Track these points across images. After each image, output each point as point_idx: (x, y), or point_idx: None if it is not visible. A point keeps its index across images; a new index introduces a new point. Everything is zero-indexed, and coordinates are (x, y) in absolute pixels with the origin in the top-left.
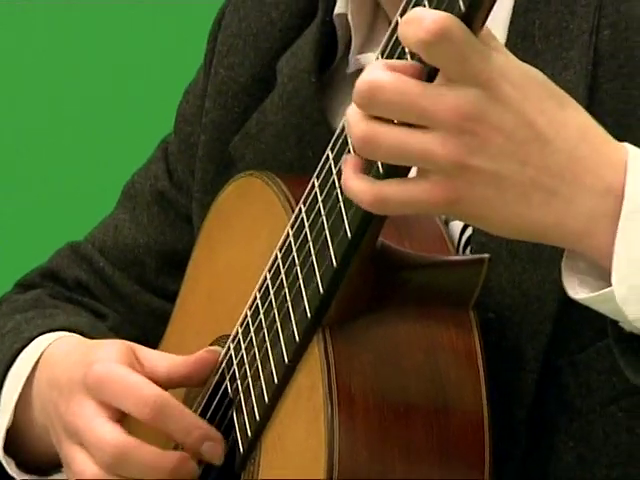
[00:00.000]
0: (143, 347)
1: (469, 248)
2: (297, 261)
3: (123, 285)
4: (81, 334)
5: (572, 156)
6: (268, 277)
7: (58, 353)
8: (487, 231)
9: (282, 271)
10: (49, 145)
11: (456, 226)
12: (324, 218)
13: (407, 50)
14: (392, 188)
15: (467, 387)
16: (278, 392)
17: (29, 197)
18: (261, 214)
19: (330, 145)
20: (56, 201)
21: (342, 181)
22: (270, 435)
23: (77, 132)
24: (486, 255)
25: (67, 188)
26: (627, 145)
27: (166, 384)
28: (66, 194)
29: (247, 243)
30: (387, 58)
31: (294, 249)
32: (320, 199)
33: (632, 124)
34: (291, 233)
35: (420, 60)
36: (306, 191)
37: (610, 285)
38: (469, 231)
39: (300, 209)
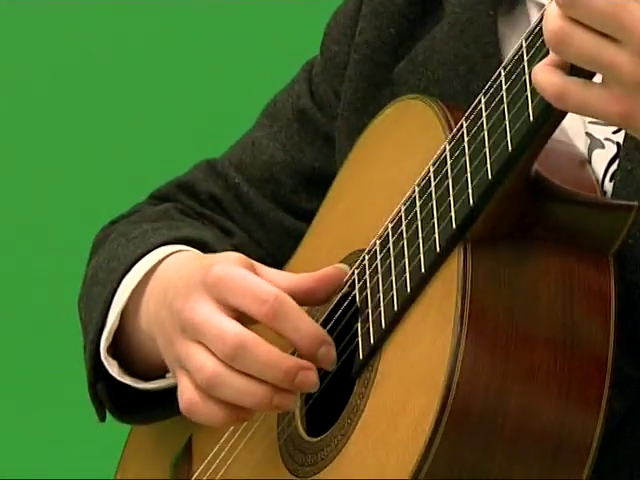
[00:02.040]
0: (263, 265)
1: (613, 181)
2: (450, 174)
3: (257, 202)
4: (205, 245)
5: None
6: (416, 190)
7: (175, 264)
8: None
9: (432, 183)
10: (49, 145)
11: (600, 160)
12: (486, 132)
13: None
14: (575, 87)
15: (597, 327)
16: (408, 301)
17: (28, 197)
18: (418, 133)
19: (504, 63)
20: (55, 201)
21: (533, 70)
22: (392, 343)
23: (77, 132)
24: (635, 203)
25: (67, 188)
26: None
27: None
28: (66, 194)
29: (398, 161)
30: None
31: (449, 162)
32: (485, 114)
33: None
34: (448, 147)
35: None
36: (470, 107)
37: None
38: (614, 166)
39: (461, 124)
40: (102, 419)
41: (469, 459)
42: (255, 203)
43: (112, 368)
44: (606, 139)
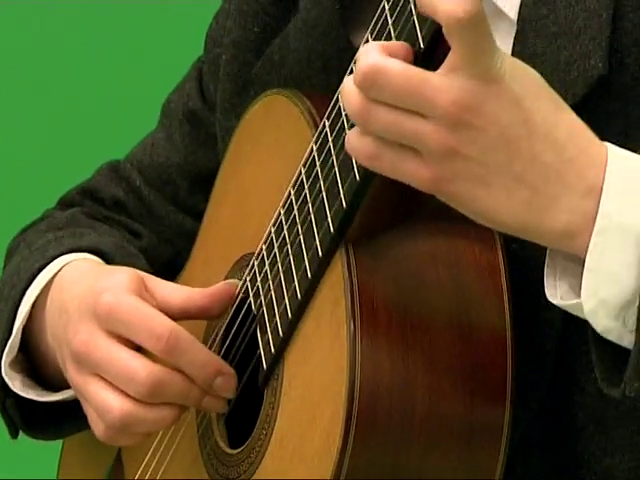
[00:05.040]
0: (156, 278)
1: None
2: (320, 175)
3: (158, 205)
4: (103, 255)
5: (560, 156)
6: (292, 193)
7: (69, 277)
8: (469, 217)
9: (306, 186)
10: (48, 147)
11: None
12: (347, 132)
13: (393, 33)
14: (387, 154)
15: (490, 303)
16: (301, 307)
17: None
18: (286, 131)
19: (353, 61)
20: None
21: (346, 136)
22: (293, 351)
23: (77, 132)
24: None
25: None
26: (609, 145)
27: (180, 315)
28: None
29: (272, 160)
30: (377, 37)
31: (317, 164)
32: (344, 113)
33: None
34: (315, 148)
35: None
36: (330, 106)
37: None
38: None
39: (324, 124)
40: (14, 436)
41: (385, 459)
42: (156, 206)
43: (13, 382)
44: None
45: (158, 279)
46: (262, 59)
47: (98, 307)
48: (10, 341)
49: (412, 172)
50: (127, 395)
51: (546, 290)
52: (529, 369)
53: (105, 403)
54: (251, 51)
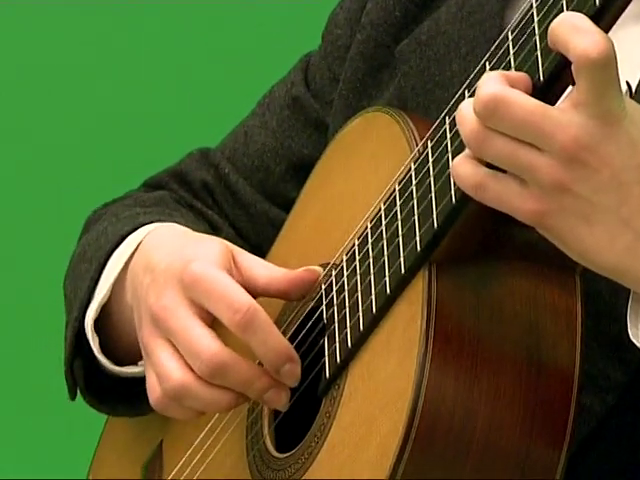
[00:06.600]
0: (244, 252)
1: None
2: (415, 195)
3: (245, 192)
4: None
5: None
6: (382, 208)
7: (159, 239)
8: (567, 255)
9: (397, 203)
10: (49, 147)
11: None
12: (450, 155)
13: (513, 63)
14: (494, 182)
15: (562, 346)
16: (374, 321)
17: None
18: (384, 148)
19: (466, 84)
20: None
21: (453, 161)
22: (359, 363)
23: (78, 134)
24: None
25: (67, 190)
26: None
27: (262, 293)
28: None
29: (365, 175)
30: (495, 64)
31: (413, 182)
32: (449, 136)
33: None
34: (413, 167)
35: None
36: (434, 126)
37: None
38: None
39: (426, 144)
40: (72, 398)
41: None
42: (243, 193)
43: (94, 343)
44: None
45: (246, 253)
46: (409, 37)
47: (185, 275)
48: (99, 299)
49: (518, 203)
50: (191, 369)
51: (629, 329)
52: (612, 365)
53: (167, 370)
54: (389, 34)
